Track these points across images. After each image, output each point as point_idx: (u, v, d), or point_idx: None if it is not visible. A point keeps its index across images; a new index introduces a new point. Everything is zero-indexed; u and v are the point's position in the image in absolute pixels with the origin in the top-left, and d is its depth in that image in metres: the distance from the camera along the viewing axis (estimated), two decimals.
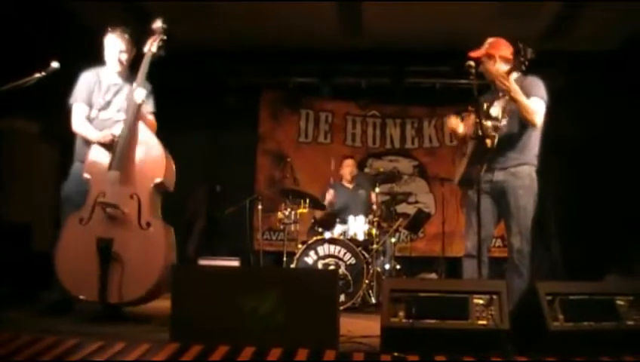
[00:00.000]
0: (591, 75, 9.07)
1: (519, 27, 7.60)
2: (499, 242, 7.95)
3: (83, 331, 3.89)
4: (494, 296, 3.58)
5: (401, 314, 3.54)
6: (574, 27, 8.25)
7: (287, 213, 7.74)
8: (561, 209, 9.19)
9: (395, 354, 3.39)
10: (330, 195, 8.24)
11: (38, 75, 4.55)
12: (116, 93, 5.17)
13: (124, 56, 5.13)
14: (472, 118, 4.94)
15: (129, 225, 4.62)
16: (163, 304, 4.06)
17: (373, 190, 7.84)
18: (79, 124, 5.07)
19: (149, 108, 5.20)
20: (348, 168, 8.29)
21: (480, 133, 4.50)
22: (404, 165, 10.16)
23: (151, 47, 5.05)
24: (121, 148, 4.73)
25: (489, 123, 4.67)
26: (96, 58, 5.19)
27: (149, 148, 4.87)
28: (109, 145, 4.82)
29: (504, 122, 4.74)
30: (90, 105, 5.10)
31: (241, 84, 10.07)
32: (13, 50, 6.53)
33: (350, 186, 8.25)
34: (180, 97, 9.62)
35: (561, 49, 8.92)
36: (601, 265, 7.84)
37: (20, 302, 5.28)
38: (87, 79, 5.14)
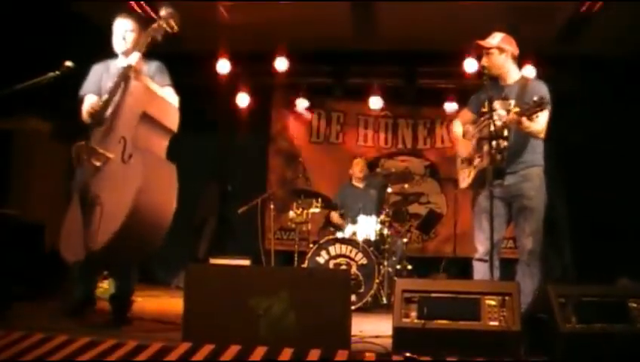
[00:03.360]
0: (603, 78, 9.04)
1: (531, 29, 7.58)
2: (510, 243, 7.92)
3: (95, 329, 3.92)
4: (506, 298, 3.58)
5: (413, 314, 3.55)
6: (586, 31, 8.20)
7: (298, 212, 7.75)
8: (573, 211, 9.17)
9: (407, 354, 3.39)
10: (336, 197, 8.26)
11: (52, 74, 4.57)
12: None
13: (131, 36, 4.95)
14: (481, 119, 4.95)
15: (112, 166, 4.35)
16: (175, 303, 4.08)
17: (386, 190, 7.82)
18: (86, 110, 4.90)
19: (162, 82, 5.00)
20: (357, 167, 8.29)
21: (493, 131, 4.51)
22: (416, 165, 10.14)
23: (154, 26, 4.87)
24: (109, 106, 4.62)
25: (504, 143, 4.67)
26: (108, 57, 5.12)
27: (135, 90, 4.61)
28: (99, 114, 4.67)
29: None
30: (100, 95, 4.93)
31: (253, 83, 10.08)
32: (26, 51, 6.57)
33: (361, 186, 8.25)
34: (192, 97, 9.63)
35: (573, 52, 8.89)
36: (613, 268, 7.81)
37: (33, 301, 5.31)
38: (96, 71, 5.08)
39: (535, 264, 4.79)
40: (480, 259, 4.88)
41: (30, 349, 3.33)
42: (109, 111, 4.62)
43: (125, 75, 4.62)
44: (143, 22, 5.08)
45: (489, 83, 4.82)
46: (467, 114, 5.32)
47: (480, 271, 4.86)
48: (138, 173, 4.21)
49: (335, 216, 8.08)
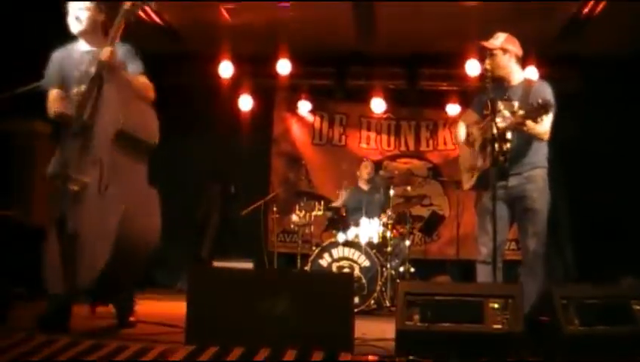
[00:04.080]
0: (605, 79, 9.04)
1: (533, 29, 7.58)
2: (513, 245, 7.91)
3: (99, 332, 3.92)
4: (509, 300, 3.57)
5: (416, 317, 3.55)
6: (588, 30, 8.19)
7: (301, 215, 7.75)
8: (574, 211, 9.17)
9: (410, 357, 3.39)
10: (340, 199, 8.24)
11: None
12: (92, 61, 4.45)
13: (84, 14, 4.47)
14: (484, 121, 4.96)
15: (89, 196, 4.03)
16: (178, 306, 4.07)
17: (388, 192, 7.81)
18: (51, 105, 4.50)
19: (135, 69, 4.55)
20: (366, 170, 8.29)
21: (496, 134, 4.51)
22: (419, 167, 10.13)
23: (126, 7, 4.41)
24: (83, 113, 4.21)
25: (508, 145, 4.67)
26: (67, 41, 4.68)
27: (110, 100, 4.21)
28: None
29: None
30: (66, 85, 4.53)
31: (255, 85, 10.08)
32: (26, 54, 6.56)
33: (366, 188, 8.25)
34: (195, 99, 9.68)
35: (576, 52, 8.89)
36: (615, 268, 7.80)
37: (34, 302, 5.31)
38: (56, 58, 4.60)
39: (538, 265, 4.79)
40: (483, 262, 4.87)
41: (33, 352, 3.33)
42: (84, 116, 4.22)
43: (99, 76, 4.25)
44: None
45: (492, 84, 4.82)
46: (471, 114, 5.31)
47: (483, 273, 4.86)
48: (117, 209, 3.95)
49: (337, 203, 8.08)
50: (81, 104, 4.24)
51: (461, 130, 5.24)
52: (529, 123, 4.59)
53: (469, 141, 5.19)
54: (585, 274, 8.77)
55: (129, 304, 4.68)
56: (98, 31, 4.56)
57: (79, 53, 4.55)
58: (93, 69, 4.34)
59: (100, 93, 4.22)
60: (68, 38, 4.59)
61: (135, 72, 4.53)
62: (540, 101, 4.44)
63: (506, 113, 4.80)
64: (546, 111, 4.43)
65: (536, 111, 4.45)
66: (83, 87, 4.36)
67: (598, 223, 8.78)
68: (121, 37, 4.41)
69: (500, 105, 4.84)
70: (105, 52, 4.24)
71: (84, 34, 4.52)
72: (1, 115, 5.55)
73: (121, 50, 4.46)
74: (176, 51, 9.49)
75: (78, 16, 4.46)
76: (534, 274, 4.76)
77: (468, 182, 5.18)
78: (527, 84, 4.98)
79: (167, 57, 9.46)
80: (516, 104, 4.80)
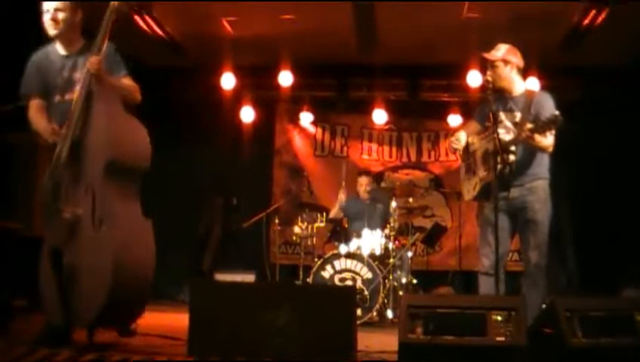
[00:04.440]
0: (606, 87, 9.07)
1: (534, 40, 7.59)
2: (515, 256, 7.91)
3: (101, 344, 3.91)
4: (512, 313, 3.57)
5: (419, 330, 3.54)
6: (589, 40, 8.21)
7: (303, 226, 7.74)
8: (577, 220, 9.17)
9: None
10: (338, 205, 8.23)
11: None
12: (74, 66, 4.28)
13: (62, 15, 4.21)
14: (486, 132, 4.96)
15: (83, 228, 3.91)
16: (181, 318, 4.07)
17: (390, 204, 7.78)
18: (34, 120, 4.29)
19: (119, 70, 4.34)
20: (362, 187, 8.22)
21: (498, 147, 4.51)
22: (420, 178, 10.13)
23: (112, 6, 4.16)
24: (72, 133, 3.99)
25: (512, 157, 4.69)
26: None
27: (100, 120, 4.00)
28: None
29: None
30: (47, 92, 4.30)
31: (257, 97, 10.10)
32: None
33: (367, 201, 8.23)
34: (197, 111, 9.70)
35: (576, 62, 8.91)
36: (618, 278, 7.80)
37: (35, 314, 5.31)
38: (34, 63, 4.36)
39: (540, 277, 4.79)
40: (485, 273, 4.87)
41: None
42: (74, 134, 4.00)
43: (88, 91, 4.00)
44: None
45: (493, 95, 4.82)
46: (473, 125, 5.30)
47: (486, 285, 4.85)
48: (111, 247, 3.84)
49: (333, 212, 8.07)
50: (70, 122, 4.02)
51: (462, 138, 5.22)
52: (537, 137, 4.59)
53: (468, 151, 5.19)
54: (588, 284, 8.76)
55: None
56: (77, 32, 4.35)
57: (59, 57, 4.33)
58: (77, 75, 4.19)
59: (89, 107, 4.02)
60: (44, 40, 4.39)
61: (120, 73, 4.33)
62: (549, 115, 4.44)
63: (508, 124, 4.82)
64: (556, 125, 4.43)
65: (545, 125, 4.46)
66: (67, 96, 4.22)
67: (600, 232, 8.79)
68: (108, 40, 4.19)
69: (502, 116, 4.85)
70: (92, 62, 4.00)
71: (61, 36, 4.28)
72: (2, 126, 5.55)
73: (105, 52, 4.22)
74: (178, 64, 9.52)
75: (54, 17, 4.21)
76: (536, 286, 4.76)
77: (469, 193, 5.18)
78: (529, 95, 4.98)
79: (169, 70, 9.50)
80: (518, 115, 4.82)
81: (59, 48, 4.35)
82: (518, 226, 4.91)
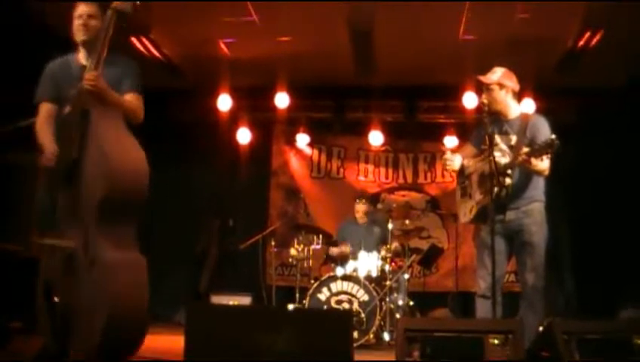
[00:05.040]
0: (602, 109, 9.10)
1: (530, 62, 7.63)
2: (512, 277, 7.89)
3: None
4: (510, 336, 3.56)
5: (416, 354, 3.53)
6: (584, 62, 8.25)
7: (299, 248, 7.73)
8: (575, 242, 9.18)
9: None
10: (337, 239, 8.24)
11: None
12: None
13: (94, 22, 4.12)
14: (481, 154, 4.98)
15: (76, 266, 3.78)
16: (177, 340, 4.05)
17: (387, 226, 7.77)
18: (39, 129, 4.17)
19: (128, 86, 4.23)
20: (358, 213, 8.23)
21: (494, 170, 4.52)
22: (417, 200, 10.12)
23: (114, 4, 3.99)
24: (66, 157, 3.85)
25: (508, 180, 4.70)
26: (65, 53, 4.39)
27: (96, 146, 3.80)
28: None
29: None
30: (61, 100, 4.17)
31: (253, 118, 10.12)
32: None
33: (363, 221, 8.22)
34: (193, 132, 9.71)
35: (572, 84, 8.94)
36: (616, 300, 7.78)
37: (32, 335, 5.28)
38: (51, 70, 4.28)
39: (538, 299, 4.79)
40: (482, 296, 4.86)
41: None
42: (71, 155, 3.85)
43: (82, 110, 3.84)
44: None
45: (489, 118, 4.83)
46: (469, 148, 5.32)
47: (483, 307, 4.84)
48: (104, 291, 3.70)
49: (335, 250, 8.05)
50: (65, 142, 3.89)
51: (455, 159, 5.22)
52: (533, 160, 4.60)
53: (463, 173, 5.20)
54: (585, 305, 8.74)
55: None
56: (107, 44, 4.08)
57: (76, 67, 4.21)
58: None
59: (86, 127, 3.83)
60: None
61: (128, 89, 4.22)
62: (546, 139, 4.46)
63: (504, 147, 4.83)
64: (552, 149, 4.44)
65: (542, 149, 4.47)
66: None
67: (597, 254, 8.78)
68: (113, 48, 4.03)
69: (498, 139, 4.87)
70: (88, 79, 3.83)
71: (88, 43, 4.15)
72: (3, 147, 5.54)
73: (120, 67, 4.22)
74: (175, 85, 9.54)
75: (86, 22, 4.16)
76: (534, 308, 4.76)
77: (465, 215, 5.18)
78: (524, 118, 5.00)
79: (166, 91, 9.52)
80: (514, 138, 4.84)
81: (79, 58, 4.26)
82: (515, 249, 4.92)
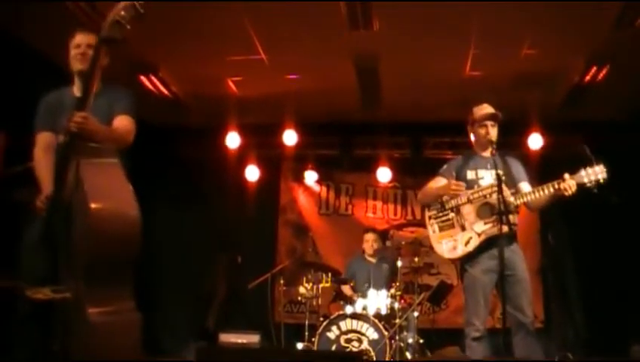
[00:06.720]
0: (609, 143, 9.09)
1: (537, 97, 7.65)
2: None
3: None
4: None
5: None
6: (590, 96, 8.26)
7: (308, 287, 7.69)
8: (583, 276, 9.12)
9: None
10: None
11: None
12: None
13: (92, 52, 3.86)
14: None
15: (74, 321, 3.44)
16: None
17: (396, 263, 7.73)
18: (37, 160, 4.09)
19: (120, 108, 4.11)
20: (368, 243, 8.22)
21: (502, 208, 4.54)
22: (425, 236, 10.04)
23: (104, 28, 3.66)
24: (61, 201, 3.61)
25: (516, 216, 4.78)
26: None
27: (83, 203, 3.45)
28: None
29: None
30: (55, 130, 4.04)
31: (262, 156, 10.15)
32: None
33: (373, 260, 8.19)
34: (202, 170, 9.75)
35: (577, 118, 8.93)
36: (627, 333, 7.71)
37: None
38: (45, 101, 4.21)
39: (534, 332, 4.86)
40: (478, 338, 4.84)
41: None
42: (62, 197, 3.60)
43: (67, 156, 3.61)
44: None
45: (467, 154, 4.94)
46: (440, 180, 5.36)
47: (478, 350, 4.82)
48: (93, 351, 3.35)
49: (346, 288, 8.01)
50: (60, 181, 3.64)
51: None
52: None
53: (444, 207, 5.21)
54: (596, 338, 8.66)
55: None
56: (99, 76, 3.89)
57: (71, 99, 4.06)
58: None
59: (76, 169, 3.54)
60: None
61: (120, 111, 4.09)
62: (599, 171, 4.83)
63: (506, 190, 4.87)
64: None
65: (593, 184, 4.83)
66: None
67: (607, 286, 8.72)
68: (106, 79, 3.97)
69: (482, 173, 5.07)
70: (75, 121, 3.59)
71: (85, 74, 3.89)
72: (11, 187, 5.54)
73: (113, 92, 4.12)
74: (183, 123, 9.60)
75: (85, 52, 4.08)
76: (535, 342, 4.85)
77: (455, 250, 5.17)
78: (499, 155, 5.09)
79: (175, 129, 9.58)
80: (492, 174, 4.86)
81: (74, 89, 4.19)
82: (507, 286, 4.85)
